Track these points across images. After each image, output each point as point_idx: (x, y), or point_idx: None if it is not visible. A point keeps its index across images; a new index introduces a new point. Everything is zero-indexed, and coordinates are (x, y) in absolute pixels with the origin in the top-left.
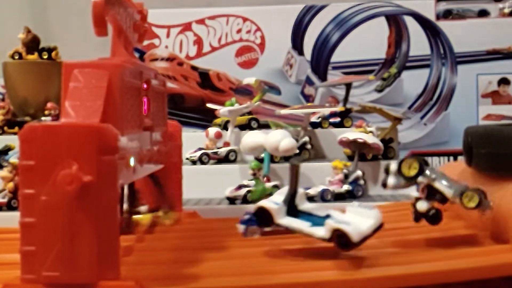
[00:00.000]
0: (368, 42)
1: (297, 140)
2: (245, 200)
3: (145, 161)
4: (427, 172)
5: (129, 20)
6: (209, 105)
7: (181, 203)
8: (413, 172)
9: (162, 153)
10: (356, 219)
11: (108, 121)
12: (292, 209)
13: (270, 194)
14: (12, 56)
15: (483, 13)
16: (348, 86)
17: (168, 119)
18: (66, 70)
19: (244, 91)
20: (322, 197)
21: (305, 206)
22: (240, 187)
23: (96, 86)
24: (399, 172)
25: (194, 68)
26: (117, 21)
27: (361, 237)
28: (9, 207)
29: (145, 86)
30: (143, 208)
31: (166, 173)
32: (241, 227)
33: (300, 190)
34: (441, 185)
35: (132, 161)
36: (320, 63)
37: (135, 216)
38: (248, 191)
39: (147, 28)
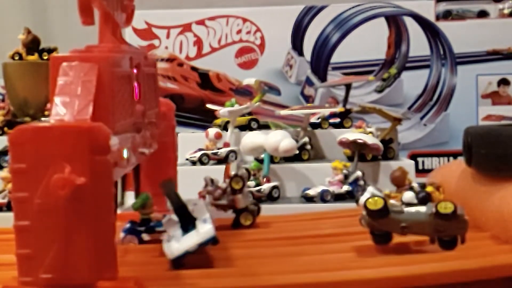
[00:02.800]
0: (368, 42)
1: (296, 141)
2: None
3: (139, 148)
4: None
5: (117, 2)
6: (209, 106)
7: (177, 183)
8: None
9: (155, 135)
10: (187, 235)
11: (99, 116)
12: (190, 224)
13: (146, 202)
14: (12, 57)
15: (482, 14)
16: (348, 87)
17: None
18: (54, 63)
19: (244, 92)
20: (322, 197)
21: (204, 216)
22: None
23: (85, 81)
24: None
25: (194, 68)
26: (104, 7)
27: (176, 255)
28: (9, 207)
29: (135, 71)
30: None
31: (160, 154)
32: (121, 235)
33: (200, 202)
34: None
35: (125, 153)
36: (320, 63)
37: None
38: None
39: (134, 7)
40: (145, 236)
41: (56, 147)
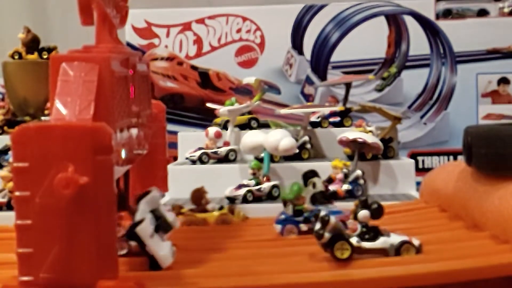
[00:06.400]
0: (368, 41)
1: (296, 140)
2: (245, 199)
3: (134, 148)
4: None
5: (112, 3)
6: (209, 105)
7: (167, 185)
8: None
9: (147, 137)
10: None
11: (100, 116)
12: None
13: (299, 193)
14: (12, 56)
15: (482, 13)
16: (348, 86)
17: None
18: (53, 63)
19: (244, 91)
20: None
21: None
22: (240, 186)
23: (86, 81)
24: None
25: (194, 67)
26: (102, 7)
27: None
28: (8, 206)
29: (131, 72)
30: (210, 206)
31: (151, 155)
32: (277, 227)
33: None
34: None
35: (123, 154)
36: (320, 62)
37: (201, 214)
38: (249, 191)
39: (128, 9)
40: (303, 226)
41: (59, 146)
